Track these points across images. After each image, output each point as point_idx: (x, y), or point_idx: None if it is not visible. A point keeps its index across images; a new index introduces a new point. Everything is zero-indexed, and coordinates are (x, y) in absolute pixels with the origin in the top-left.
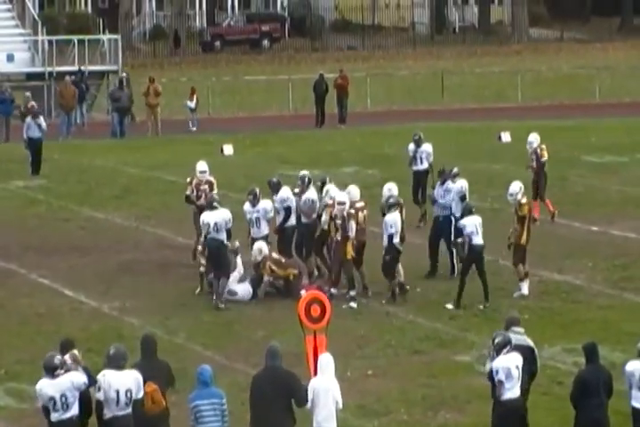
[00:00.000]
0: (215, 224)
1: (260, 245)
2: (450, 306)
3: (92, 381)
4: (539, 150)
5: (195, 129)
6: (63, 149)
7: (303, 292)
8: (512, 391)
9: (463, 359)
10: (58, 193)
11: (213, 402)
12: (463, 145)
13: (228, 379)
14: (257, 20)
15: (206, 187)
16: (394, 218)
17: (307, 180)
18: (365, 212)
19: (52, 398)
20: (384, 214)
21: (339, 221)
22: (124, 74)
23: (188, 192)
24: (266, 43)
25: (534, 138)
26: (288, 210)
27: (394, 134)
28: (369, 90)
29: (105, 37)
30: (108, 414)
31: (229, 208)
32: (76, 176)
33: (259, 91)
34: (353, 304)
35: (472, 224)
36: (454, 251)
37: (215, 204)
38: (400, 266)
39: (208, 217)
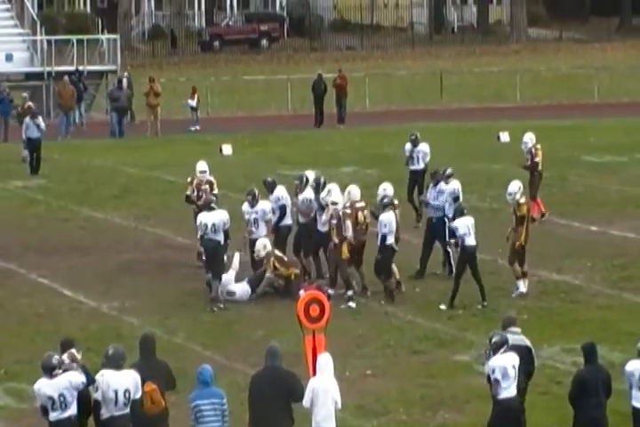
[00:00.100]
0: (213, 225)
1: (265, 241)
2: (443, 306)
3: (91, 380)
4: (533, 150)
5: (198, 128)
6: (62, 149)
7: (302, 292)
8: (508, 391)
9: (462, 359)
10: (57, 193)
11: (214, 402)
12: (462, 145)
13: (228, 379)
14: (256, 19)
15: (207, 187)
16: (388, 218)
17: (304, 179)
18: (366, 212)
19: (51, 398)
20: (374, 215)
21: (334, 221)
22: (126, 73)
23: (188, 192)
24: (265, 42)
25: (529, 138)
26: (283, 209)
27: (393, 134)
28: (368, 90)
29: (104, 37)
30: (105, 414)
31: (228, 208)
32: (75, 176)
33: (257, 91)
34: (352, 304)
35: (464, 225)
36: (450, 251)
37: (213, 205)
38: (394, 266)
39: (205, 218)
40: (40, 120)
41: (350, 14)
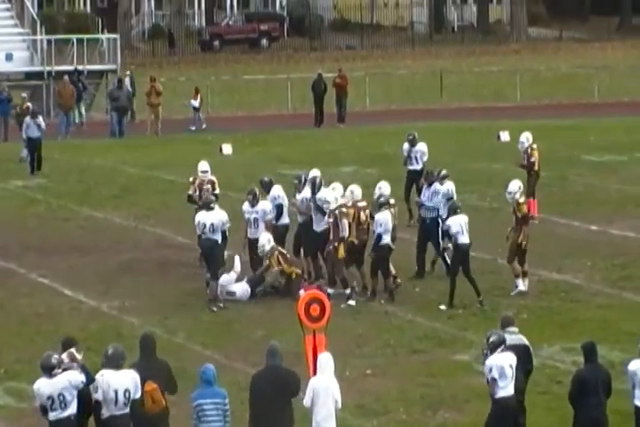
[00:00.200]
0: (211, 225)
1: (268, 236)
2: (443, 307)
3: (90, 379)
4: (529, 150)
5: (204, 127)
6: (62, 149)
7: (302, 292)
8: (506, 390)
9: (462, 359)
10: (57, 193)
11: (216, 402)
12: (462, 144)
13: (228, 378)
14: (256, 19)
15: (209, 186)
16: (384, 217)
17: (303, 179)
18: (368, 211)
19: (50, 398)
20: (372, 216)
21: (330, 220)
22: (128, 72)
23: (190, 192)
24: (265, 42)
25: (525, 138)
26: (279, 208)
27: (393, 134)
28: (368, 89)
29: (104, 37)
30: (105, 413)
31: (229, 207)
32: (75, 176)
33: (257, 90)
34: (351, 302)
35: (457, 224)
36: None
37: (212, 204)
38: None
39: (204, 217)
40: (40, 120)
41: (350, 14)
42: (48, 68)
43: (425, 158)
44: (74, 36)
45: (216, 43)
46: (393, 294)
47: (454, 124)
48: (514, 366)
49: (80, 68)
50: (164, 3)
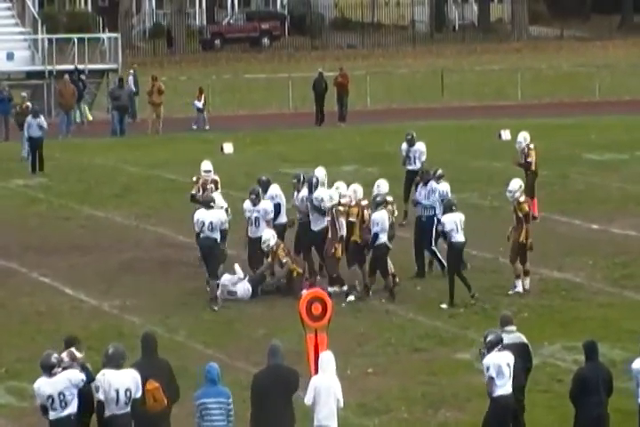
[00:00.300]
0: (210, 223)
1: (272, 231)
2: (444, 305)
3: (91, 377)
4: (526, 150)
5: (207, 128)
6: (63, 148)
7: (304, 291)
8: (503, 388)
9: (463, 357)
10: (58, 192)
11: (220, 401)
12: (463, 143)
13: (229, 377)
14: (257, 18)
15: (212, 186)
16: (380, 216)
17: (301, 178)
18: (369, 210)
19: (50, 397)
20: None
21: (327, 218)
22: (132, 71)
23: (193, 191)
24: (266, 41)
25: (523, 138)
26: (277, 207)
27: (394, 132)
28: (369, 88)
29: (105, 36)
30: (107, 413)
31: (230, 206)
32: (76, 175)
33: (259, 89)
34: (351, 297)
35: (452, 221)
36: (435, 249)
37: (212, 203)
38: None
39: (203, 215)
40: (42, 119)
41: (351, 12)
42: (49, 68)
43: (423, 158)
44: (75, 36)
45: (217, 42)
46: (393, 292)
47: (455, 122)
48: (511, 364)
49: (81, 67)
50: (165, 2)
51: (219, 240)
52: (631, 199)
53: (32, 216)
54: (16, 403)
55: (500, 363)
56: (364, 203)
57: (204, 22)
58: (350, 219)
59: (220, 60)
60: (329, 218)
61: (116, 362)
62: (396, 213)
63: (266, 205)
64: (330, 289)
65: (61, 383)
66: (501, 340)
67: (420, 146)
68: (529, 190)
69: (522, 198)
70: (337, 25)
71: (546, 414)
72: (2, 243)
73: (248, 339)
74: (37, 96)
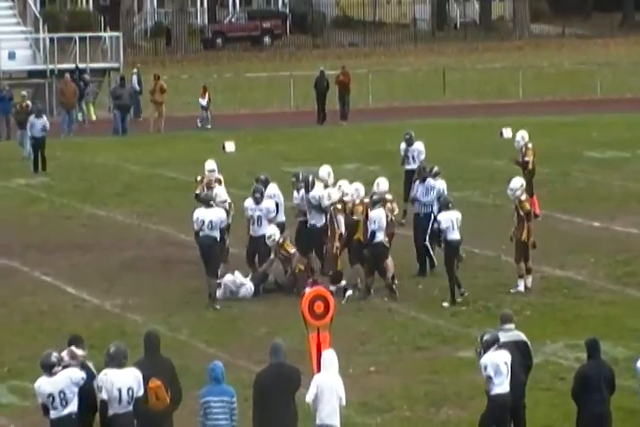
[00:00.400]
0: (210, 222)
1: (275, 227)
2: (446, 304)
3: (92, 375)
4: (524, 149)
5: (209, 127)
6: (65, 147)
7: (307, 289)
8: (501, 387)
9: (466, 356)
10: (60, 191)
11: (224, 400)
12: (465, 141)
13: (232, 376)
14: (258, 16)
15: (216, 185)
16: (378, 214)
17: (300, 177)
18: None
19: (51, 395)
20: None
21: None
22: (135, 70)
23: (198, 191)
24: (267, 39)
25: (521, 136)
26: (276, 206)
27: (395, 131)
28: (370, 86)
29: (106, 35)
30: (110, 412)
31: (232, 205)
32: (77, 174)
33: (260, 88)
34: (349, 292)
35: (448, 220)
36: (429, 246)
37: (212, 202)
38: (390, 260)
39: (203, 214)
40: (45, 119)
41: (353, 11)
42: (51, 67)
43: (422, 157)
44: (76, 35)
45: (218, 40)
46: (394, 291)
47: (457, 120)
48: (509, 363)
49: (82, 66)
50: (167, 0)
51: (218, 239)
52: (633, 197)
53: (34, 215)
54: (18, 402)
55: (498, 362)
56: (367, 201)
57: (206, 21)
58: (355, 217)
59: (222, 59)
60: (327, 215)
61: (117, 361)
62: (397, 211)
63: (268, 203)
64: (332, 288)
65: (62, 382)
66: (498, 339)
67: (419, 145)
68: (527, 189)
69: (523, 197)
70: (338, 23)
71: (548, 412)
72: (4, 242)
73: (250, 337)
74: (39, 95)
